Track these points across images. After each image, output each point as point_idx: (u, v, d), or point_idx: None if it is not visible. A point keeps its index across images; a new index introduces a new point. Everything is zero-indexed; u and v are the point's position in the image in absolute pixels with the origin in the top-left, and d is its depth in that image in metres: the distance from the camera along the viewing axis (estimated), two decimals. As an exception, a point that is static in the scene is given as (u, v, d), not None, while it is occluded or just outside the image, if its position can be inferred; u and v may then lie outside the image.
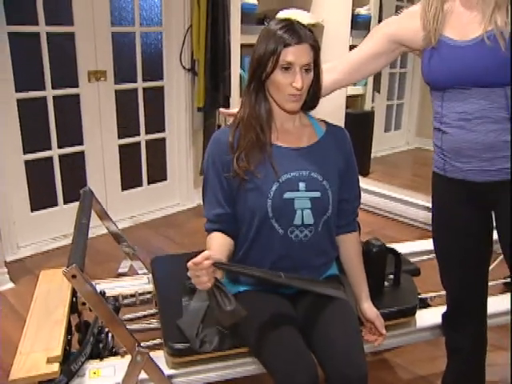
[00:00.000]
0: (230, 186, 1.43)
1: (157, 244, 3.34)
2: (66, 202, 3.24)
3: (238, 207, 1.45)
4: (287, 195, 1.39)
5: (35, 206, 3.12)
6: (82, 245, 1.39)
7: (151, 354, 1.47)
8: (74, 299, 1.85)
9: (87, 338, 1.55)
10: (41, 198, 3.15)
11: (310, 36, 1.34)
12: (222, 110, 1.67)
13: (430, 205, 3.45)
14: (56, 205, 3.22)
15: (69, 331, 1.66)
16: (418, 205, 3.62)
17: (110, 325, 1.33)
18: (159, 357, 1.52)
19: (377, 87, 4.65)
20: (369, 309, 1.54)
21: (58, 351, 1.42)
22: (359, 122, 4.32)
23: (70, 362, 1.44)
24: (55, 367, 1.37)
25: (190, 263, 1.17)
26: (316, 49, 1.35)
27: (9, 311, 2.47)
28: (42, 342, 1.47)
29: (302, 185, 1.40)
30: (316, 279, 1.51)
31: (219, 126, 3.59)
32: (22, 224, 3.05)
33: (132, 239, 3.37)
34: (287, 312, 1.43)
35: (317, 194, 1.41)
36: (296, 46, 1.31)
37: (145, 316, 1.97)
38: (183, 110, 3.68)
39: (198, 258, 1.16)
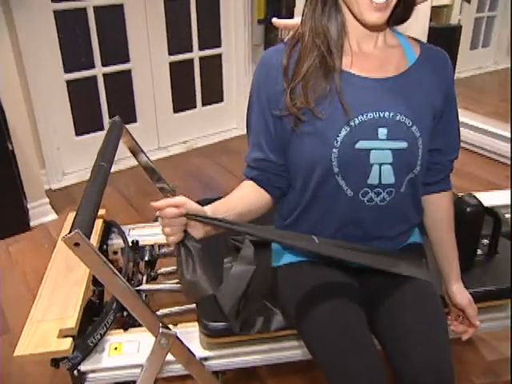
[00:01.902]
0: (280, 126, 1.06)
1: (210, 173, 3.07)
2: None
3: (291, 156, 1.09)
4: (361, 144, 1.01)
5: (80, 130, 2.90)
6: (94, 200, 1.10)
7: (185, 327, 1.22)
8: (105, 247, 1.64)
9: (109, 303, 1.31)
10: (85, 121, 2.92)
11: None
12: (275, 20, 1.25)
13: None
14: (102, 129, 2.98)
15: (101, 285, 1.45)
16: (507, 137, 3.09)
17: (127, 303, 1.06)
18: (193, 332, 1.26)
19: (468, -4, 3.96)
20: (460, 293, 1.19)
21: (72, 322, 1.19)
22: (443, 38, 3.69)
23: (88, 335, 1.21)
24: (67, 344, 1.14)
25: (152, 204, 0.92)
26: None
27: (51, 246, 2.31)
28: (56, 307, 1.25)
29: (382, 131, 1.01)
30: (392, 252, 1.16)
31: (282, 41, 3.13)
32: (67, 149, 2.85)
33: (184, 167, 3.16)
34: (352, 296, 1.10)
35: (402, 145, 1.02)
36: None
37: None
38: (241, 22, 3.26)
39: (162, 203, 0.91)
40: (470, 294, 1.20)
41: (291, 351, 1.26)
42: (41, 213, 2.49)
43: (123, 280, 1.05)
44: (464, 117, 3.34)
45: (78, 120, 2.87)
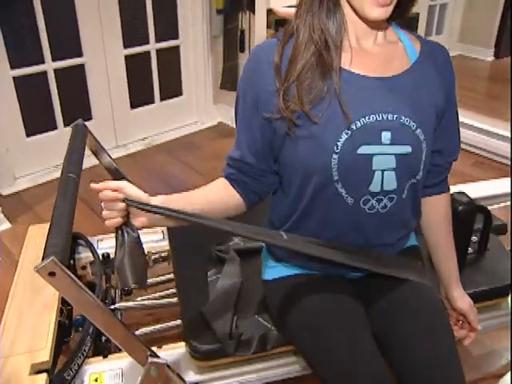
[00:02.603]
0: (269, 129, 0.97)
1: (173, 171, 2.94)
2: (66, 125, 2.79)
3: (285, 162, 1.00)
4: (363, 150, 0.93)
5: (31, 130, 2.69)
6: (67, 218, 0.97)
7: (172, 349, 1.13)
8: (72, 262, 1.50)
9: (85, 329, 1.18)
10: (37, 120, 2.72)
11: None
12: (276, 8, 1.15)
13: (479, 125, 3.04)
14: (55, 128, 2.78)
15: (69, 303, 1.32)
16: (465, 124, 3.11)
17: (111, 333, 0.95)
18: (181, 354, 1.16)
19: (424, -17, 3.97)
20: (461, 297, 1.15)
21: (45, 354, 1.07)
22: (403, 26, 3.70)
23: (64, 367, 1.09)
24: (41, 381, 1.02)
25: (90, 185, 0.87)
26: None
27: (5, 257, 2.13)
28: (25, 336, 1.12)
29: (386, 135, 0.93)
30: (389, 256, 1.09)
31: (243, 32, 3.04)
32: (17, 152, 2.64)
33: (144, 166, 3.00)
34: (356, 312, 1.03)
35: (407, 150, 0.95)
36: None
37: (160, 282, 1.59)
38: (199, 12, 3.11)
39: (101, 185, 0.87)
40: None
41: (289, 367, 1.19)
42: (-8, 221, 2.30)
43: (106, 309, 0.94)
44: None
45: (29, 119, 2.66)
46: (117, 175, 1.64)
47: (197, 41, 3.21)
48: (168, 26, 3.11)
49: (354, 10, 0.91)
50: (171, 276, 1.58)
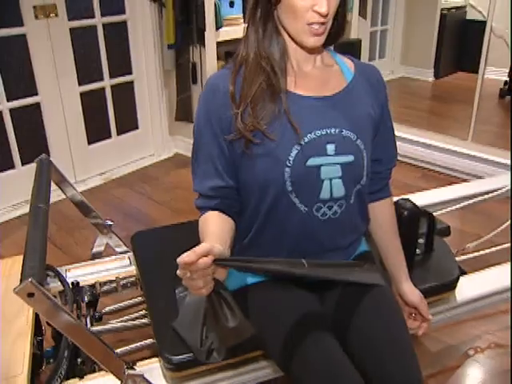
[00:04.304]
0: (232, 150, 1.07)
1: (133, 203, 2.98)
2: (24, 163, 2.80)
3: (243, 178, 1.10)
4: (312, 162, 1.04)
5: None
6: (40, 244, 1.03)
7: (147, 365, 1.17)
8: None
9: (61, 352, 1.22)
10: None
11: None
12: None
13: (424, 140, 3.24)
14: (13, 167, 2.79)
15: (39, 331, 1.35)
16: (411, 140, 3.34)
17: (88, 348, 1.00)
18: (154, 369, 1.21)
19: (363, 12, 4.22)
20: (411, 291, 1.25)
21: (22, 380, 1.10)
22: (346, 52, 3.91)
23: (41, 390, 1.12)
24: (20, 405, 1.05)
25: (180, 260, 0.82)
26: None
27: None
28: (1, 364, 1.14)
29: (330, 147, 1.05)
30: (347, 263, 1.19)
31: (194, 65, 3.15)
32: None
33: (105, 199, 3.03)
34: (316, 310, 1.12)
35: (350, 158, 1.06)
36: None
37: (130, 305, 1.64)
38: (151, 47, 3.23)
39: (192, 256, 0.82)
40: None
41: (261, 371, 1.25)
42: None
43: (84, 326, 0.99)
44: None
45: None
46: (82, 207, 1.71)
47: (150, 75, 3.31)
48: (121, 62, 3.19)
49: (293, 39, 1.03)
50: (140, 299, 1.64)
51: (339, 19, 1.05)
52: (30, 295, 0.90)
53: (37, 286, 0.90)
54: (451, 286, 1.44)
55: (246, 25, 1.05)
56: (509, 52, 4.35)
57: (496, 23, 4.14)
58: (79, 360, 1.25)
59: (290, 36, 1.03)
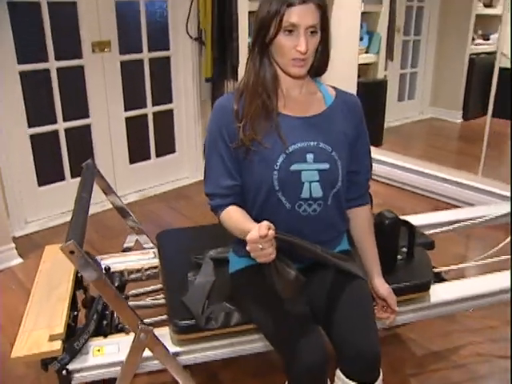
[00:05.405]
0: (236, 156, 1.36)
1: (166, 217, 3.30)
2: (73, 177, 3.19)
3: (243, 179, 1.38)
4: (294, 167, 1.32)
5: (42, 180, 3.09)
6: (82, 220, 1.34)
7: (156, 331, 1.43)
8: (80, 275, 1.84)
9: (90, 314, 1.51)
10: (48, 172, 3.11)
11: None
12: None
13: (442, 175, 3.43)
14: (63, 179, 3.18)
15: (75, 307, 1.63)
16: (432, 175, 3.53)
17: (112, 303, 1.29)
18: (164, 334, 1.48)
19: (390, 55, 4.51)
20: (381, 285, 1.48)
21: (60, 328, 1.39)
22: (372, 91, 4.21)
23: (73, 340, 1.41)
24: (57, 345, 1.34)
25: (252, 236, 1.11)
26: (323, 9, 1.25)
27: (18, 287, 2.46)
28: (44, 318, 1.44)
29: (309, 156, 1.33)
30: (341, 255, 1.43)
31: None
32: (30, 199, 3.03)
33: (141, 213, 3.35)
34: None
35: (325, 166, 1.34)
36: (300, 5, 1.21)
37: (151, 291, 1.92)
38: (190, 80, 3.60)
39: (263, 230, 1.10)
40: (394, 288, 1.47)
41: (252, 344, 1.50)
42: (8, 257, 2.64)
43: (107, 280, 1.28)
44: (394, 159, 3.76)
45: (41, 171, 3.06)
46: (124, 213, 2.02)
47: (188, 105, 3.68)
48: (163, 92, 3.57)
49: (282, 69, 1.33)
50: (159, 286, 1.92)
51: (321, 56, 1.34)
52: (72, 252, 1.20)
53: (76, 246, 1.20)
54: (425, 287, 1.66)
55: (248, 58, 1.36)
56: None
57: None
58: (104, 322, 1.54)
59: (279, 67, 1.33)
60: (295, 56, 1.26)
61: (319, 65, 1.35)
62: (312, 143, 1.33)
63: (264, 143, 1.32)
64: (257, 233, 1.10)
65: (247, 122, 1.32)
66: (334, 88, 1.45)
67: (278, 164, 1.31)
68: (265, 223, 1.13)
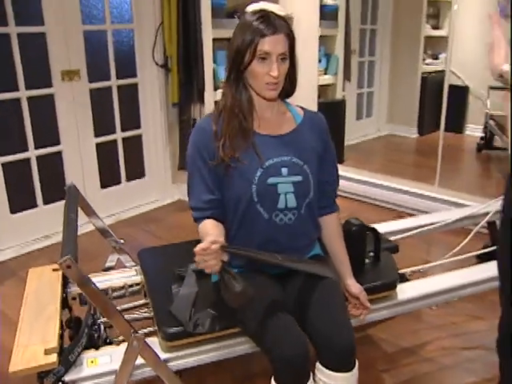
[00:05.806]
0: (216, 172, 1.48)
1: (140, 239, 3.36)
2: (45, 203, 3.24)
3: (224, 193, 1.50)
4: (271, 180, 1.45)
5: (15, 208, 3.12)
6: (73, 237, 1.42)
7: (146, 340, 1.52)
8: (65, 295, 1.90)
9: (82, 328, 1.58)
10: (20, 199, 3.15)
11: (285, 26, 1.40)
12: None
13: (402, 187, 3.65)
14: (36, 206, 3.22)
15: (61, 327, 1.69)
16: (392, 188, 3.75)
17: (107, 313, 1.37)
18: (154, 342, 1.56)
19: (347, 76, 4.74)
20: (353, 285, 1.61)
21: (54, 343, 1.45)
22: (331, 111, 4.39)
23: (68, 353, 1.48)
24: (53, 358, 1.40)
25: (197, 249, 1.23)
26: (291, 38, 1.41)
27: (-4, 312, 2.48)
28: (37, 335, 1.50)
29: (284, 170, 1.46)
30: (307, 260, 1.57)
31: (195, 121, 3.63)
32: (3, 226, 3.05)
33: (116, 236, 3.42)
34: (275, 291, 1.49)
35: (299, 178, 1.47)
36: (272, 36, 1.36)
37: (135, 307, 2.00)
38: (158, 106, 3.72)
39: (205, 243, 1.22)
40: (365, 288, 1.61)
41: (238, 347, 1.60)
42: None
43: (102, 294, 1.37)
44: (356, 174, 3.96)
45: (13, 198, 3.09)
46: (104, 232, 2.10)
47: (156, 130, 3.78)
48: (132, 118, 3.68)
49: (257, 93, 1.47)
50: (143, 301, 2.00)
51: (290, 79, 1.49)
52: (68, 267, 1.29)
53: (73, 261, 1.29)
54: (392, 285, 1.81)
55: (224, 83, 1.49)
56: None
57: (474, 86, 4.68)
58: (95, 335, 1.61)
59: (254, 91, 1.47)
60: (268, 80, 1.40)
61: (289, 87, 1.50)
62: (286, 158, 1.47)
63: (242, 160, 1.45)
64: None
65: (226, 140, 1.45)
66: (302, 108, 1.60)
67: (256, 178, 1.44)
68: (209, 238, 1.24)
